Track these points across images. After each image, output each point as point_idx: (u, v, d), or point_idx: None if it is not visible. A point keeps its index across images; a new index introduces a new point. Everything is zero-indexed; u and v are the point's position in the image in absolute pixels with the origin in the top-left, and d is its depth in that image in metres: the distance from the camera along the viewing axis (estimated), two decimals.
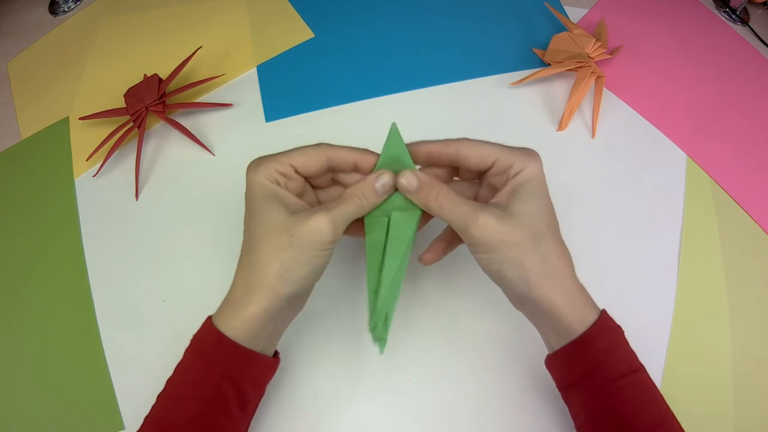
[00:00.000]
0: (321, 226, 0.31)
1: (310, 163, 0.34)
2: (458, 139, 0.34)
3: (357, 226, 0.36)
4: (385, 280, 0.33)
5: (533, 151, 0.33)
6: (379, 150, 0.35)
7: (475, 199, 0.36)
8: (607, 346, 0.31)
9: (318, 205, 0.35)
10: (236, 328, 0.31)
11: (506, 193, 0.32)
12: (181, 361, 0.33)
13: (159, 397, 0.33)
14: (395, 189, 0.34)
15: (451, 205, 0.32)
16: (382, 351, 0.33)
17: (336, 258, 0.44)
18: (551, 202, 0.33)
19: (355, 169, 0.35)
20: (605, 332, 0.32)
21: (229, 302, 0.33)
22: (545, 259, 0.31)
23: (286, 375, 0.41)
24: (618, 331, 0.33)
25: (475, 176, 0.36)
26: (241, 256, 0.33)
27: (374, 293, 0.34)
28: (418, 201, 0.34)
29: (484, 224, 0.31)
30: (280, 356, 0.36)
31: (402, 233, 0.34)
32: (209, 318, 0.33)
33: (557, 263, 0.32)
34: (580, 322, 0.31)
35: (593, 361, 0.31)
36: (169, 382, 0.33)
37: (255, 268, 0.32)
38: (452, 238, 0.37)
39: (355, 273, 0.45)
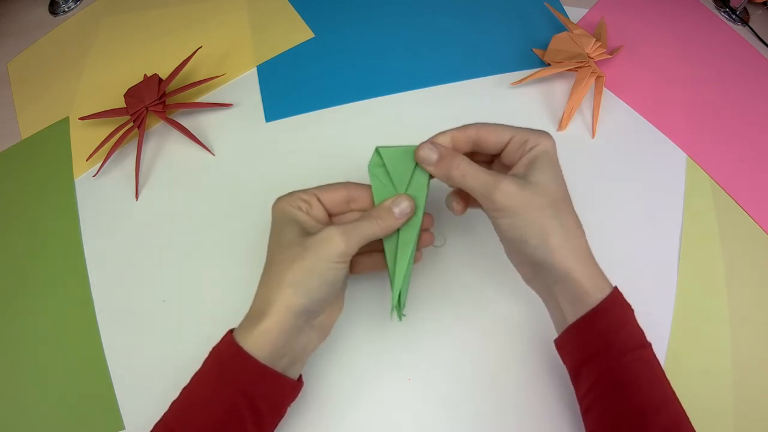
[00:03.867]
0: (332, 236, 0.32)
1: (333, 193, 0.36)
2: (474, 123, 0.35)
3: (369, 263, 0.38)
4: (398, 273, 0.36)
5: (546, 131, 0.35)
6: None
7: None
8: (620, 319, 0.32)
9: None
10: (254, 343, 0.31)
11: (523, 165, 0.34)
12: (199, 372, 0.33)
13: (173, 405, 0.32)
14: (412, 215, 0.35)
15: (473, 172, 0.33)
16: (400, 319, 0.37)
17: None
18: (564, 178, 0.35)
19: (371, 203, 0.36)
20: (619, 305, 0.33)
21: (248, 318, 0.33)
22: (564, 224, 0.33)
23: None
24: (629, 307, 0.33)
25: (487, 159, 0.38)
26: (261, 275, 0.34)
27: (393, 281, 0.36)
28: (438, 173, 0.34)
29: (507, 189, 0.32)
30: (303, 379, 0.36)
31: (408, 237, 0.36)
32: (230, 331, 0.33)
33: (575, 231, 0.33)
34: (597, 290, 0.32)
35: (609, 333, 0.32)
36: (184, 391, 0.33)
37: (270, 282, 0.33)
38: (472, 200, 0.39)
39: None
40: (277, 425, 0.34)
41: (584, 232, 0.34)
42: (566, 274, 0.32)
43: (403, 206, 0.34)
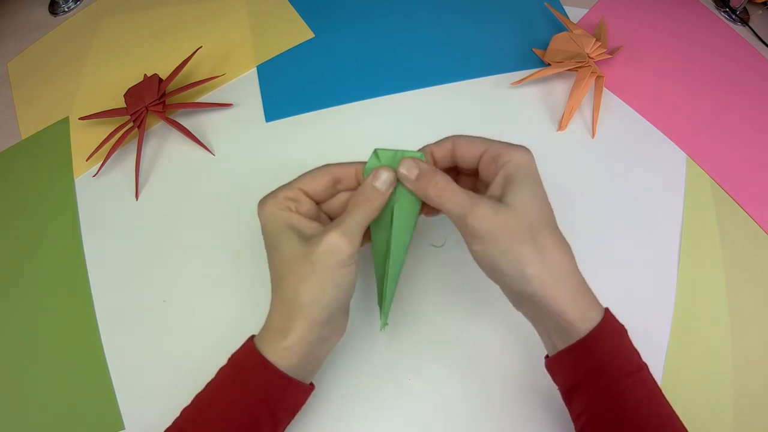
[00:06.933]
0: (336, 243, 0.31)
1: (316, 181, 0.34)
2: (451, 136, 0.35)
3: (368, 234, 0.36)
4: (392, 269, 0.35)
5: (523, 146, 0.33)
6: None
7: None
8: (613, 345, 0.31)
9: None
10: (278, 356, 0.31)
11: (499, 184, 0.32)
12: (216, 379, 0.33)
13: (185, 411, 0.32)
14: (396, 182, 0.34)
15: (450, 194, 0.32)
16: (382, 328, 0.38)
17: None
18: (546, 194, 0.33)
19: (358, 181, 0.35)
20: (612, 331, 0.31)
21: (269, 331, 0.33)
22: (543, 251, 0.30)
23: None
24: (623, 329, 0.32)
25: (473, 177, 0.37)
26: (272, 290, 0.33)
27: (381, 280, 0.37)
28: (417, 190, 0.34)
29: (481, 214, 0.31)
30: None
31: (404, 224, 0.35)
32: (251, 339, 0.33)
33: (557, 256, 0.31)
34: (585, 320, 0.30)
35: (601, 360, 0.30)
36: (198, 398, 0.32)
37: (287, 300, 0.32)
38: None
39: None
40: (286, 426, 0.34)
41: (571, 253, 0.32)
42: (547, 305, 0.30)
43: (383, 177, 0.33)
